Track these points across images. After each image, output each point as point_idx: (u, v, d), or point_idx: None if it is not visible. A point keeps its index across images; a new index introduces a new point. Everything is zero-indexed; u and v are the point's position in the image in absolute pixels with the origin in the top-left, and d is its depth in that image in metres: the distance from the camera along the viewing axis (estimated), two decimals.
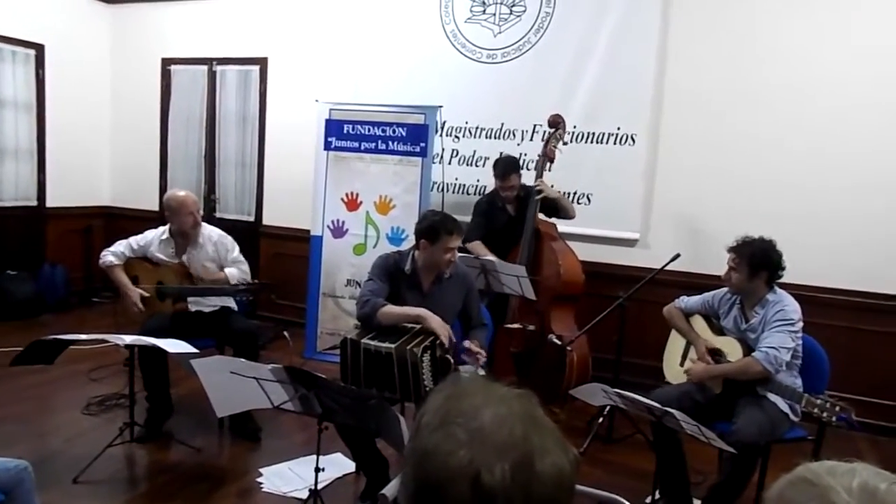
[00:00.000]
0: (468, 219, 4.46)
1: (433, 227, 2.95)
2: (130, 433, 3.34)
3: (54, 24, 5.98)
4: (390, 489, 2.05)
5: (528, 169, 4.44)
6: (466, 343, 2.99)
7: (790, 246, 2.93)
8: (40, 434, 3.52)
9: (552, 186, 4.17)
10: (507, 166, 4.20)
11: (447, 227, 2.94)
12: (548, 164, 4.19)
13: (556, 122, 4.21)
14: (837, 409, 2.47)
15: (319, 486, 2.62)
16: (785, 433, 2.81)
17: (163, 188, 6.21)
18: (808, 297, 3.43)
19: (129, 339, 3.10)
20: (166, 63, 6.23)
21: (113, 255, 3.68)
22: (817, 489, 0.73)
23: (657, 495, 2.85)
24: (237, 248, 3.81)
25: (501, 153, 4.89)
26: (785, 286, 2.94)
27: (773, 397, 2.79)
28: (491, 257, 4.02)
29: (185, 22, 6.10)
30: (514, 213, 4.24)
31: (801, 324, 2.81)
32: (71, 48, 6.14)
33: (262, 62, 5.81)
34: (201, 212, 3.81)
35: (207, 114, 6.10)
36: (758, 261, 2.82)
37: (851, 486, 0.72)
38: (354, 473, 3.21)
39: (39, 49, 5.89)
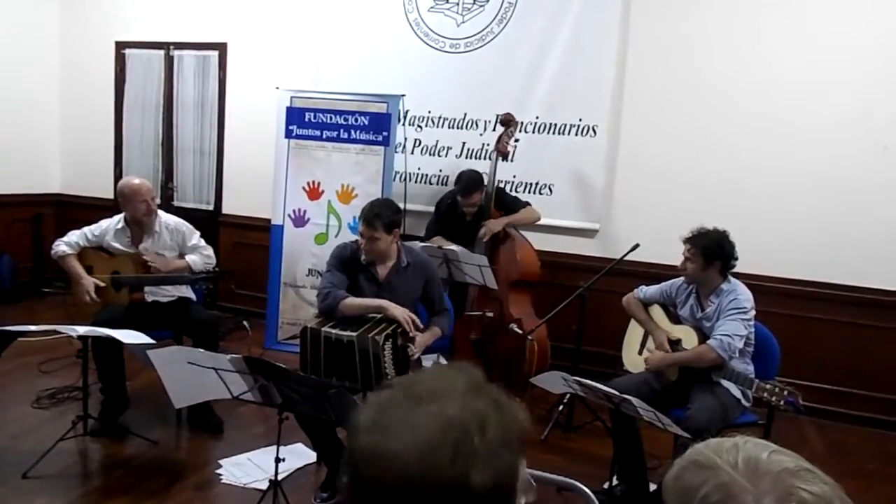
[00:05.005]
0: (431, 208, 4.48)
1: None
2: (84, 427, 3.26)
3: None
4: None
5: (489, 159, 4.45)
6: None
7: (744, 238, 3.02)
8: None
9: (511, 182, 4.17)
10: (469, 185, 4.15)
11: (362, 213, 3.00)
12: (500, 158, 4.25)
13: (508, 121, 4.27)
14: (785, 393, 2.57)
15: (280, 477, 2.60)
16: (737, 418, 2.90)
17: (118, 176, 6.01)
18: (760, 286, 3.53)
19: (82, 329, 3.01)
20: (120, 46, 6.03)
21: (66, 244, 3.55)
22: (709, 471, 0.77)
23: (615, 481, 2.91)
24: (197, 234, 3.72)
25: (464, 143, 4.92)
26: (738, 276, 3.03)
27: (726, 383, 2.87)
28: (453, 247, 4.03)
29: (141, 3, 5.90)
30: (473, 219, 4.24)
31: (753, 312, 2.91)
32: (18, 27, 5.88)
33: (221, 47, 5.67)
34: (157, 200, 3.72)
35: (164, 100, 5.93)
36: (712, 251, 2.90)
37: (737, 462, 0.77)
38: (315, 463, 3.19)
39: None
